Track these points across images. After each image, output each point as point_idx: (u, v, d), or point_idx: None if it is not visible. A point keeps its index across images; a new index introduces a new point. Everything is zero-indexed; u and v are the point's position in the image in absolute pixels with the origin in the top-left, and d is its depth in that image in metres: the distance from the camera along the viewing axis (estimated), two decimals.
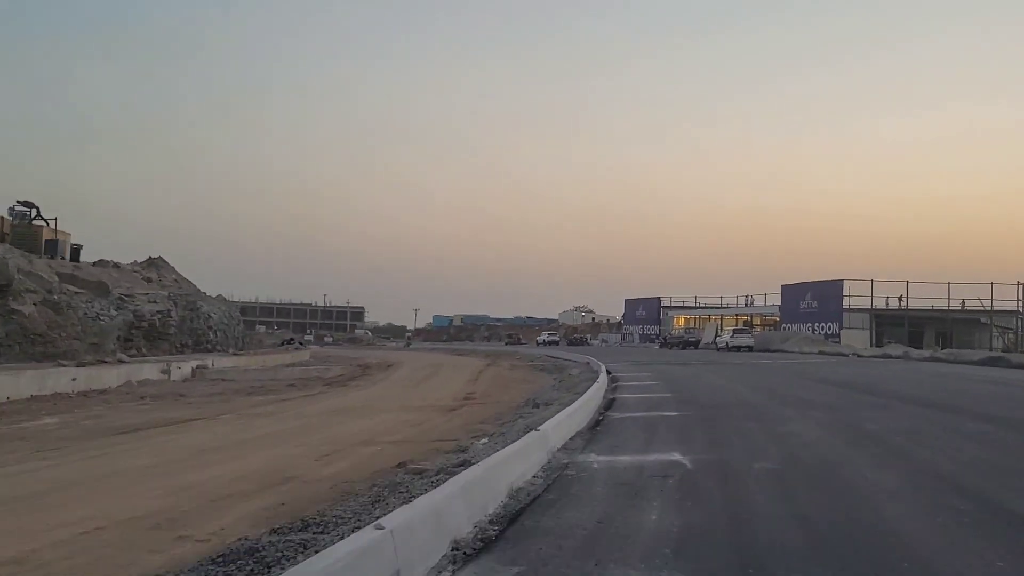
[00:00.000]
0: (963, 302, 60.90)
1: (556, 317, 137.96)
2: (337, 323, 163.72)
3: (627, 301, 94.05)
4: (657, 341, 74.50)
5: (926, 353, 36.92)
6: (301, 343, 77.11)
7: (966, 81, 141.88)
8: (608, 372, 24.99)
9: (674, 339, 64.93)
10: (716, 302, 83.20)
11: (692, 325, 77.82)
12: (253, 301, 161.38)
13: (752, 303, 76.83)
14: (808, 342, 51.28)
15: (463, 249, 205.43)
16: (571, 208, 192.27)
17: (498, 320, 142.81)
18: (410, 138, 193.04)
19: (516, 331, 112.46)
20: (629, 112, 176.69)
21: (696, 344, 62.21)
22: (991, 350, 53.96)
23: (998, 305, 57.94)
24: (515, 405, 18.87)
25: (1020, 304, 56.66)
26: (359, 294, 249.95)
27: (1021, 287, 56.16)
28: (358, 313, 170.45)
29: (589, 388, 15.39)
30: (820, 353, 45.24)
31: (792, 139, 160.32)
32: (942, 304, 58.83)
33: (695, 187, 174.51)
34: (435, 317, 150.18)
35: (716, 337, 59.62)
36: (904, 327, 58.17)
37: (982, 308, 58.86)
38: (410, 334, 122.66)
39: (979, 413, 13.44)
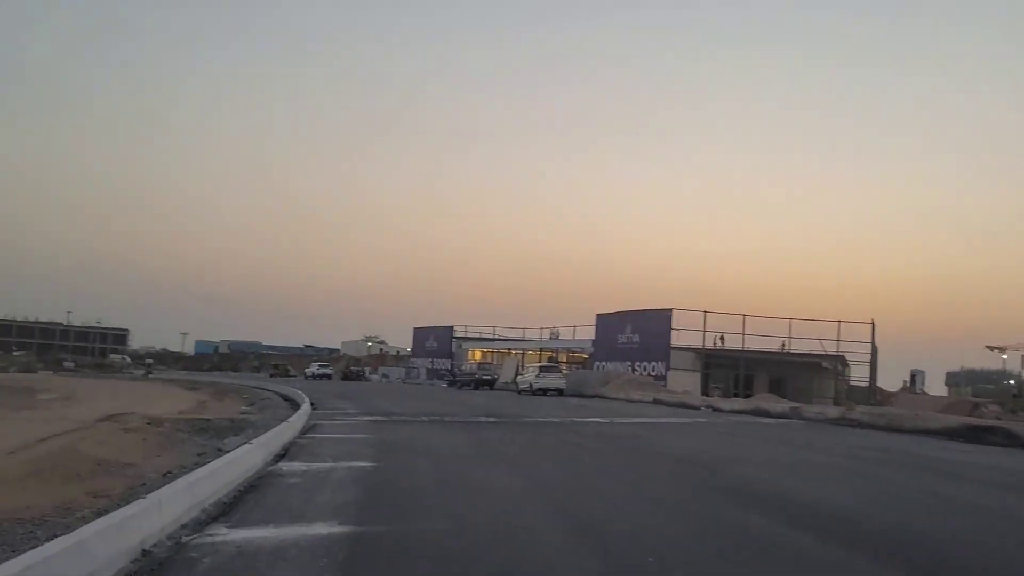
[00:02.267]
0: (783, 344, 52.06)
1: (339, 346, 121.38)
2: (98, 346, 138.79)
3: (416, 330, 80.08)
4: (446, 379, 60.77)
5: (832, 411, 25.12)
6: None
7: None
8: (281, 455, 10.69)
9: (465, 376, 51.31)
10: (518, 334, 70.95)
11: (489, 360, 64.51)
12: None
13: (558, 336, 64.91)
14: (635, 386, 39.25)
15: (242, 271, 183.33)
16: (370, 231, 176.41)
17: (272, 348, 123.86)
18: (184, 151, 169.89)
19: (286, 361, 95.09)
20: (432, 129, 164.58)
21: (491, 384, 48.94)
22: (836, 402, 44.75)
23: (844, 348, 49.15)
24: None
25: (871, 349, 48.10)
26: (128, 316, 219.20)
27: (873, 327, 47.59)
28: (120, 336, 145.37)
29: None
30: (656, 402, 33.08)
31: (618, 165, 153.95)
32: (766, 344, 49.59)
33: (500, 210, 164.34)
34: (197, 343, 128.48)
35: (517, 376, 46.68)
36: (739, 369, 48.05)
37: (823, 352, 49.95)
38: (150, 361, 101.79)
39: None
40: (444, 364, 72.08)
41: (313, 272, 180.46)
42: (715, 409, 28.38)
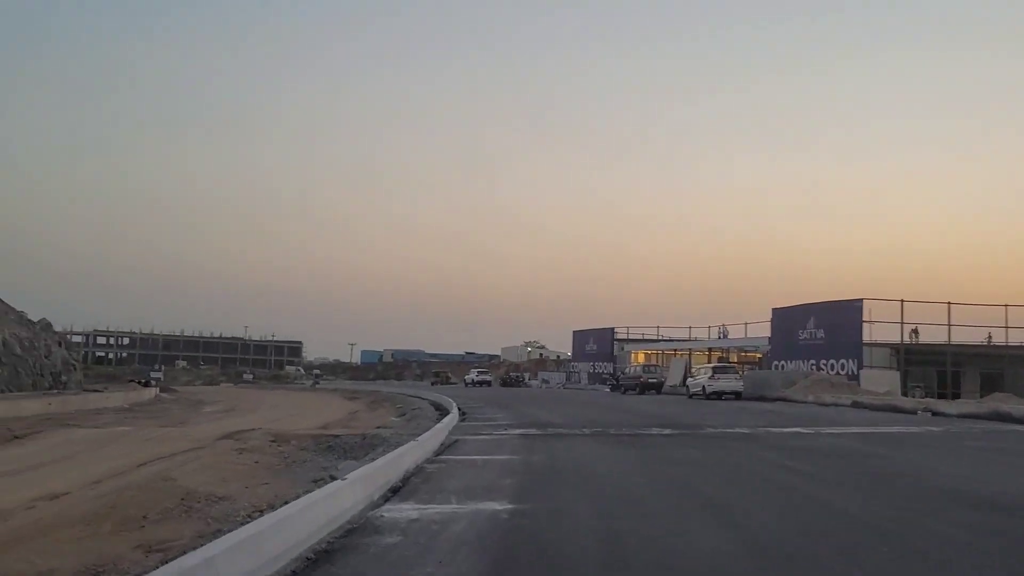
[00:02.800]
0: (990, 335, 45.07)
1: (499, 353, 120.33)
2: (275, 359, 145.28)
3: (575, 333, 76.90)
4: (608, 382, 57.22)
5: None
6: (146, 382, 58.43)
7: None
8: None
9: (629, 380, 47.55)
10: (683, 333, 66.31)
11: (654, 362, 60.31)
12: (177, 334, 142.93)
13: (727, 334, 59.88)
14: (826, 386, 34.28)
15: (402, 282, 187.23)
16: (531, 236, 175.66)
17: (434, 355, 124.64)
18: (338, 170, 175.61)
19: (445, 368, 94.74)
20: (591, 129, 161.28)
21: (658, 388, 45.00)
22: None
23: None
24: None
25: None
26: (299, 329, 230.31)
27: None
28: (295, 348, 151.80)
29: None
30: (856, 406, 28.26)
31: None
32: (969, 335, 42.95)
33: (663, 206, 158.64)
34: (363, 352, 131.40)
35: (687, 378, 42.54)
36: (944, 365, 41.65)
37: None
38: (318, 372, 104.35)
39: None
40: (605, 367, 68.62)
41: (474, 280, 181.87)
42: (935, 413, 23.37)
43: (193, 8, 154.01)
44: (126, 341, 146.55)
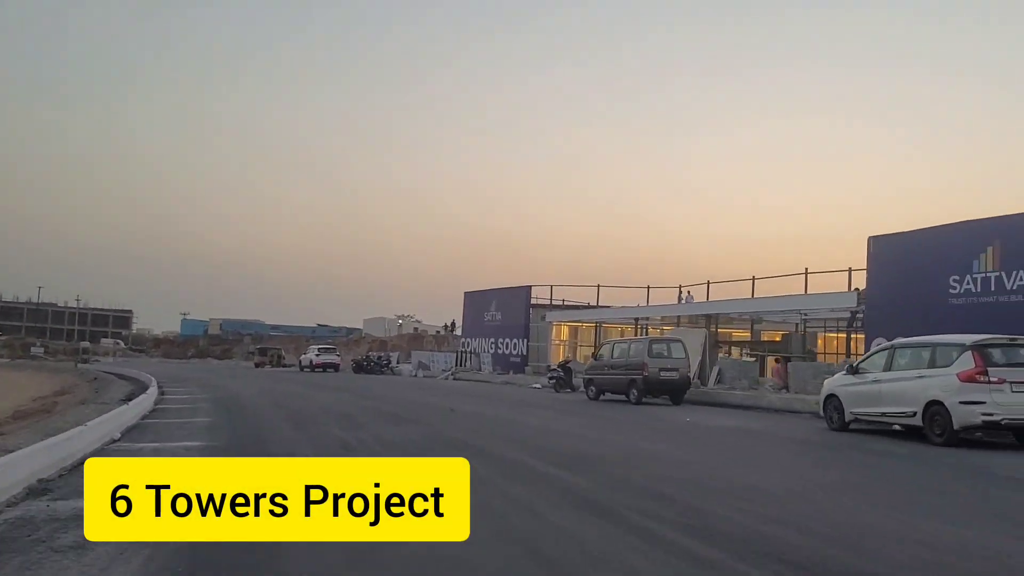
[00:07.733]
0: None
1: (360, 327, 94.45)
2: (98, 330, 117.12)
3: (468, 296, 51.90)
4: (552, 375, 32.02)
5: None
6: None
7: None
8: None
9: (613, 372, 22.39)
10: (632, 297, 42.62)
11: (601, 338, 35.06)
12: None
13: (688, 297, 36.38)
14: None
15: (253, 250, 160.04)
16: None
17: (276, 328, 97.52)
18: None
19: (279, 345, 68.76)
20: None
21: (680, 391, 20.57)
22: None
23: None
24: None
25: None
26: (134, 298, 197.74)
27: None
28: (123, 318, 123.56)
29: None
30: None
31: None
32: None
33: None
34: (184, 323, 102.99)
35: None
36: None
37: None
38: (87, 346, 76.36)
39: None
40: (515, 346, 44.41)
41: (332, 247, 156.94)
42: None
43: None
44: None
